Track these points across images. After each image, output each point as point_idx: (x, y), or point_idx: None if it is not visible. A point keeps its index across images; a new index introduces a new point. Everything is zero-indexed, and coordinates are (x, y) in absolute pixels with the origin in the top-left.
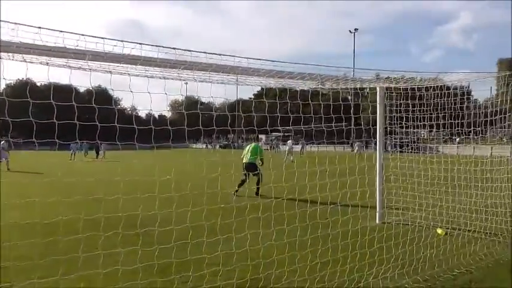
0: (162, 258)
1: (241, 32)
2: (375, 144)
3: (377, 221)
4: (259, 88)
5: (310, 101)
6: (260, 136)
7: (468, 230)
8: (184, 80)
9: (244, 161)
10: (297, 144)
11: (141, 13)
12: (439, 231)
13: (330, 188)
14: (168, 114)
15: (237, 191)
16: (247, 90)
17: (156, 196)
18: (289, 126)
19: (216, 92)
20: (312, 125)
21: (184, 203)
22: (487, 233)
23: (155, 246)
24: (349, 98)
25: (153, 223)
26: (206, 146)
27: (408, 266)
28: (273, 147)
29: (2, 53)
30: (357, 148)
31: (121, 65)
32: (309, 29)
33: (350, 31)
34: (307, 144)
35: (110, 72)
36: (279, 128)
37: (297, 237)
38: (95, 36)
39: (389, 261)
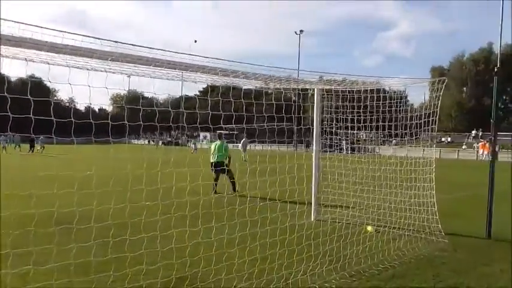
0: (80, 257)
1: (191, 28)
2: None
3: (312, 219)
4: (205, 85)
5: (253, 100)
6: (205, 134)
7: (394, 227)
8: (127, 74)
9: (212, 160)
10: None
11: (88, 2)
12: (369, 228)
13: (270, 185)
14: (109, 108)
15: (215, 190)
16: (193, 87)
17: (74, 192)
18: (233, 124)
19: (160, 88)
20: (254, 124)
21: (108, 200)
22: (410, 229)
23: (72, 245)
24: (293, 98)
25: (72, 220)
26: (149, 142)
27: (336, 262)
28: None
29: None
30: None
31: (60, 55)
32: (258, 28)
33: (296, 32)
34: (250, 142)
35: (47, 63)
36: (224, 126)
37: (225, 234)
38: (34, 25)
39: (317, 258)
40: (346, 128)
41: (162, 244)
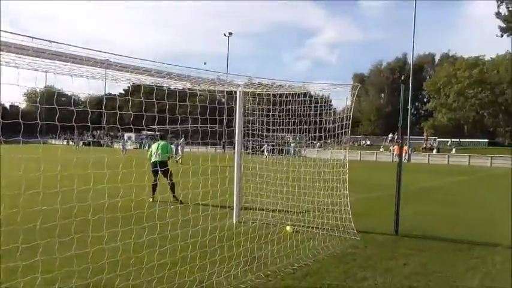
0: None
1: (118, 26)
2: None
3: (234, 220)
4: (130, 84)
5: (177, 102)
6: (129, 134)
7: (311, 227)
8: (43, 70)
9: (154, 160)
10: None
11: None
12: (288, 228)
13: (193, 186)
14: (22, 105)
15: (153, 196)
16: (118, 86)
17: None
18: (160, 125)
19: (81, 86)
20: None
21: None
22: (324, 228)
23: None
24: (222, 100)
25: None
26: (68, 142)
27: (252, 263)
28: (143, 146)
29: None
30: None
31: None
32: (187, 27)
33: (225, 34)
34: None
35: None
36: (153, 126)
37: (132, 239)
38: None
39: (233, 260)
40: (273, 130)
41: (60, 251)
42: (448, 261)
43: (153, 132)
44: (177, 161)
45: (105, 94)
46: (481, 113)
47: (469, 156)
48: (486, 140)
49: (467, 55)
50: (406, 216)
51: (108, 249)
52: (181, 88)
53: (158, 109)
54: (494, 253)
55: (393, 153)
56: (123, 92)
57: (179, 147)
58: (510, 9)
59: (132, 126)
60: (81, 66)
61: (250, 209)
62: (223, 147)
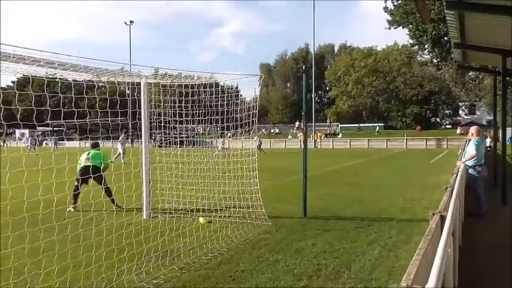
0: None
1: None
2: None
3: (144, 215)
4: (20, 75)
5: (85, 95)
6: (22, 131)
7: (224, 216)
8: None
9: (84, 164)
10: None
11: None
12: (201, 220)
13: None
14: None
15: (74, 204)
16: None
17: None
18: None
19: None
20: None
21: None
22: (237, 217)
23: None
24: (128, 92)
25: None
26: None
27: (163, 257)
28: (38, 144)
29: None
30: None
31: None
32: (84, 17)
33: (125, 23)
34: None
35: None
36: (49, 122)
37: (26, 243)
38: None
39: (144, 255)
40: (183, 122)
41: None
42: (350, 238)
43: (50, 128)
44: (124, 163)
45: None
46: (377, 100)
47: (368, 139)
48: (382, 124)
49: (362, 46)
50: (313, 199)
51: None
52: (81, 80)
53: (55, 102)
54: (390, 227)
55: (300, 140)
56: (11, 84)
57: (119, 144)
58: (395, 3)
59: (19, 122)
60: None
61: (161, 203)
62: (132, 141)
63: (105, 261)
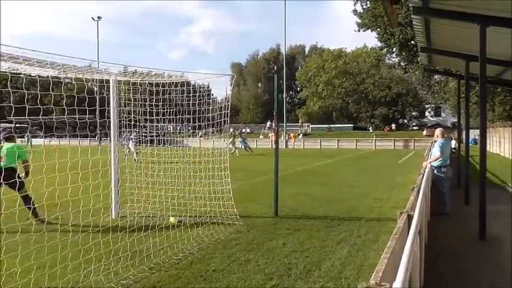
0: None
1: None
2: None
3: (112, 215)
4: None
5: (50, 91)
6: None
7: (195, 216)
8: None
9: None
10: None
11: None
12: (171, 220)
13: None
14: None
15: None
16: None
17: None
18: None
19: None
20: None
21: None
22: (208, 216)
23: None
24: (95, 89)
25: None
26: None
27: (132, 257)
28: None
29: None
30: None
31: None
32: (48, 9)
33: (93, 18)
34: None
35: None
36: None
37: None
38: None
39: (111, 256)
40: (152, 120)
41: None
42: (321, 237)
43: (11, 125)
44: (135, 160)
45: None
46: (347, 101)
47: (338, 140)
48: (351, 125)
49: (332, 47)
50: (284, 198)
51: None
52: (45, 76)
53: (18, 98)
54: (359, 226)
55: (272, 140)
56: None
57: (131, 142)
58: (364, 7)
59: None
60: None
61: (129, 203)
62: (99, 140)
63: (71, 262)
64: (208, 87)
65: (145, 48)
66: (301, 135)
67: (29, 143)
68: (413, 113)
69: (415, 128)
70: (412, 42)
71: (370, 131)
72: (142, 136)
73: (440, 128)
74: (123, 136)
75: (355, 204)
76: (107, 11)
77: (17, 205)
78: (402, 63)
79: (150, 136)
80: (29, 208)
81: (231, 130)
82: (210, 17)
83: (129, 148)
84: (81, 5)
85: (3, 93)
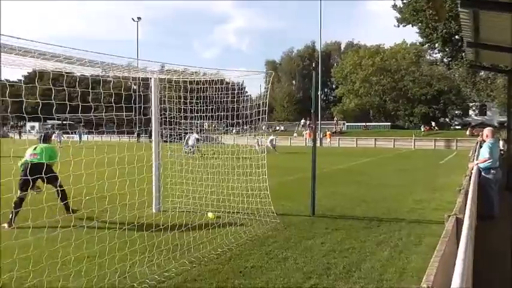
0: None
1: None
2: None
3: (153, 209)
4: (30, 70)
5: (90, 90)
6: (32, 124)
7: (232, 212)
8: None
9: (25, 161)
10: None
11: None
12: (210, 215)
13: (109, 176)
14: None
15: (14, 215)
16: (16, 72)
17: None
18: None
19: None
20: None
21: None
22: (245, 213)
23: None
24: (134, 87)
25: None
26: None
27: (173, 251)
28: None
29: None
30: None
31: None
32: (90, 11)
33: (133, 19)
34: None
35: None
36: (57, 115)
37: (45, 233)
38: None
39: (155, 248)
40: (190, 118)
41: None
42: (360, 238)
43: (59, 122)
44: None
45: (1, 80)
46: (384, 98)
47: (375, 138)
48: (389, 124)
49: (369, 44)
50: (320, 197)
51: (17, 245)
52: (89, 74)
53: (63, 97)
54: (400, 228)
55: (306, 138)
56: (22, 78)
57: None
58: (404, 1)
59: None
60: None
61: (170, 198)
62: (138, 136)
63: (118, 253)
64: (242, 84)
65: (181, 47)
66: (332, 133)
67: (80, 139)
68: (456, 112)
69: (457, 127)
70: (457, 36)
71: (422, 130)
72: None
73: (490, 128)
74: (187, 136)
75: (394, 205)
76: (143, 12)
77: (58, 200)
78: (445, 59)
79: (185, 133)
80: (64, 203)
81: (264, 128)
82: (244, 16)
83: (188, 144)
84: (116, 8)
85: (51, 91)
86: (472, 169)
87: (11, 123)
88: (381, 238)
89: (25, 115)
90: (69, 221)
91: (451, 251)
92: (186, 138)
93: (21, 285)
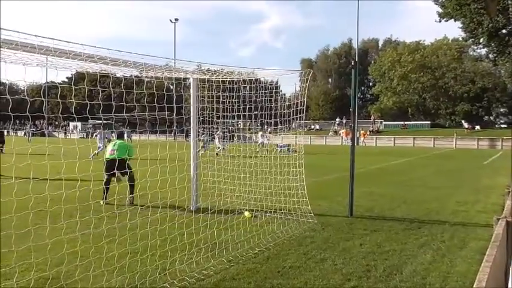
0: None
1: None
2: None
3: (192, 207)
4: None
5: (133, 89)
6: (74, 124)
7: (269, 211)
8: None
9: (108, 157)
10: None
11: None
12: (246, 214)
13: (150, 175)
14: None
15: (105, 197)
16: (60, 74)
17: None
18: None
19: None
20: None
21: None
22: (282, 212)
23: None
24: (171, 87)
25: None
26: (8, 133)
27: (212, 249)
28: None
29: None
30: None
31: None
32: (130, 14)
33: (171, 20)
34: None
35: None
36: (100, 115)
37: (91, 229)
38: None
39: (194, 246)
40: (226, 117)
41: (17, 243)
42: (400, 240)
43: (100, 121)
44: (217, 154)
45: (47, 82)
46: (424, 96)
47: (414, 138)
48: (429, 122)
49: (408, 40)
50: (358, 197)
51: (66, 240)
52: (129, 75)
53: (105, 97)
54: (443, 230)
55: (342, 137)
56: (66, 80)
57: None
58: None
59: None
60: (16, 52)
61: (208, 196)
62: (174, 135)
63: (158, 250)
64: (277, 83)
65: (217, 46)
66: (369, 132)
67: (129, 138)
68: (501, 110)
69: (503, 125)
70: (504, 31)
71: (465, 127)
72: (223, 132)
73: None
74: (216, 134)
75: (436, 206)
76: (179, 12)
77: (115, 195)
78: (490, 55)
79: (222, 132)
80: (132, 197)
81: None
82: (279, 13)
83: (216, 144)
84: (153, 9)
85: (93, 92)
86: None
87: (55, 123)
88: (423, 241)
89: (74, 115)
90: (113, 217)
91: (502, 256)
92: (203, 138)
93: (68, 279)
